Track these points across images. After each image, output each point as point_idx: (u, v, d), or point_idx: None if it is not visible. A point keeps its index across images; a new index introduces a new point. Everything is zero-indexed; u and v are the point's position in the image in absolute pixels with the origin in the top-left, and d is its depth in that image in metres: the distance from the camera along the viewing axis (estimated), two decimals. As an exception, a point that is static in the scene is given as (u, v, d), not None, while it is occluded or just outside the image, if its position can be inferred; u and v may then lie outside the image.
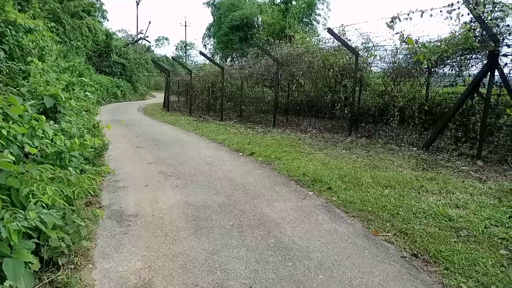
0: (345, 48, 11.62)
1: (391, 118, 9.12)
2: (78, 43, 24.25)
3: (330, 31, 9.50)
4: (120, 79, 30.35)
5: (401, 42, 8.65)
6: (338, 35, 13.00)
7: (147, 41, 40.27)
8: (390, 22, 7.87)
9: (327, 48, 13.29)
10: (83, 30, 25.65)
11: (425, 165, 6.49)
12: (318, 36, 17.25)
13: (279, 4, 27.41)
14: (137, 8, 42.12)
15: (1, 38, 7.34)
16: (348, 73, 11.99)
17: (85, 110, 10.86)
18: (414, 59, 8.40)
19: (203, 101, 18.25)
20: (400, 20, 7.54)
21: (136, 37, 40.27)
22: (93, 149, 5.84)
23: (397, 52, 9.56)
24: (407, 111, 9.09)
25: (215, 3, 40.74)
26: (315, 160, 7.02)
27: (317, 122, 12.50)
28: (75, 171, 3.78)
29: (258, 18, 36.59)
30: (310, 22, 34.46)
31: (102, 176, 4.46)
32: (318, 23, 35.05)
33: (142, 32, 38.96)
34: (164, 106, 21.58)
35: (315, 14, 34.71)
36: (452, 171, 6.12)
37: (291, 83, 13.85)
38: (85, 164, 5.00)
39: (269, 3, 30.63)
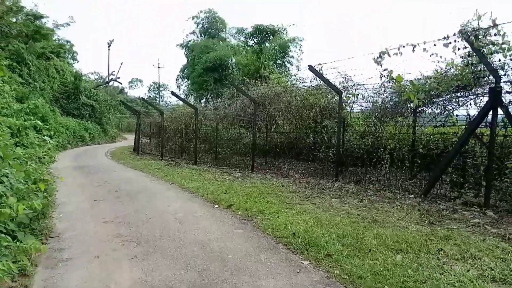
0: (325, 87, 11.12)
1: (381, 161, 8.39)
2: (44, 85, 22.97)
3: (311, 68, 8.92)
4: (89, 122, 28.92)
5: (389, 80, 8.12)
6: (315, 74, 12.57)
7: (119, 82, 39.44)
8: (378, 58, 7.35)
9: (305, 87, 12.80)
10: (50, 71, 24.51)
11: (431, 218, 5.64)
12: (294, 75, 16.90)
13: (253, 45, 27.51)
14: (108, 49, 41.63)
15: None
16: (329, 113, 11.42)
17: (39, 157, 9.57)
18: (404, 97, 7.84)
19: (176, 144, 17.19)
20: (389, 56, 7.01)
21: (108, 79, 39.33)
22: (32, 210, 4.64)
23: (384, 90, 9.05)
24: (395, 153, 8.42)
25: (189, 45, 40.86)
26: (303, 213, 6.05)
27: (298, 165, 11.65)
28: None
29: (232, 60, 36.72)
30: (283, 64, 34.83)
31: (38, 247, 3.26)
32: (291, 64, 35.46)
33: (113, 73, 38.17)
34: (134, 150, 20.30)
35: (288, 56, 35.20)
36: (464, 225, 5.28)
37: (269, 124, 13.14)
38: (10, 234, 3.82)
39: (243, 45, 30.79)
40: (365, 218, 5.68)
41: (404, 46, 6.70)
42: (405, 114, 8.90)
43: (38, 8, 34.81)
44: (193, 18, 41.32)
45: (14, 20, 22.45)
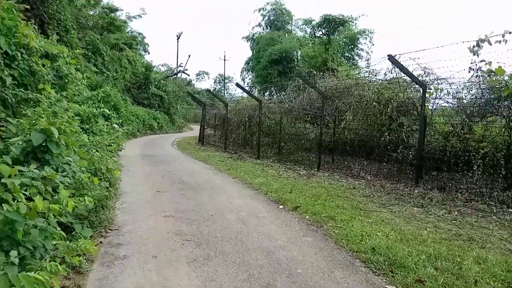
0: (403, 81, 10.04)
1: (471, 167, 7.23)
2: (116, 74, 24.28)
3: (391, 58, 7.96)
4: (158, 111, 30.18)
5: (487, 73, 6.92)
6: (396, 65, 11.48)
7: (186, 74, 40.71)
8: (474, 46, 6.21)
9: (379, 80, 11.71)
10: (123, 61, 25.84)
11: (547, 241, 4.57)
12: (366, 67, 15.71)
13: (321, 37, 26.41)
14: (177, 42, 43.05)
15: (10, 62, 6.46)
16: (407, 110, 10.32)
17: (107, 144, 9.84)
18: (504, 92, 6.62)
19: (239, 136, 17.03)
20: (490, 44, 5.86)
21: (176, 70, 40.79)
22: (93, 201, 4.51)
23: (475, 84, 7.81)
24: (487, 158, 7.19)
25: (254, 37, 40.81)
26: (381, 223, 5.29)
27: (370, 165, 10.70)
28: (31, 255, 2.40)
29: (297, 52, 35.90)
30: (351, 57, 33.18)
31: (88, 248, 3.00)
32: (360, 58, 33.70)
33: (181, 65, 39.44)
34: (199, 140, 20.62)
35: (358, 49, 33.46)
36: None
37: (338, 119, 12.29)
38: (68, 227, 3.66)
39: (310, 36, 29.73)
40: (459, 235, 4.78)
41: (511, 32, 5.53)
42: (503, 113, 7.58)
43: (113, 1, 37.07)
44: (259, 10, 41.19)
45: (92, 13, 24.04)
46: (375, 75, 12.63)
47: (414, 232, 4.84)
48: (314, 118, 13.71)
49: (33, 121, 5.76)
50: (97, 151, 7.53)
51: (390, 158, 10.07)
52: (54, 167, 4.56)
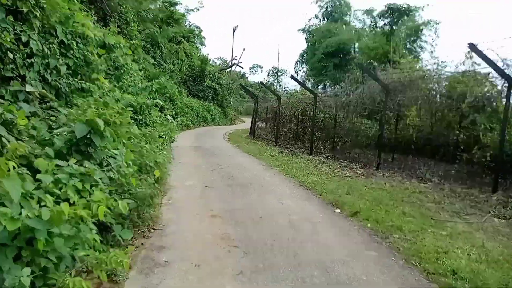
0: (484, 73, 8.85)
1: None
2: (173, 67, 24.73)
3: (472, 47, 6.88)
4: (211, 104, 30.46)
5: None
6: (467, 58, 10.20)
7: (240, 67, 40.70)
8: None
9: (450, 73, 10.46)
10: (180, 54, 26.26)
11: None
12: (434, 58, 14.26)
13: (383, 27, 24.76)
14: (233, 35, 43.24)
15: (66, 51, 6.46)
16: (482, 106, 9.10)
17: (160, 136, 9.78)
18: None
19: (291, 130, 16.45)
20: None
21: (230, 63, 40.98)
22: (134, 202, 4.23)
23: None
24: None
25: (310, 29, 39.66)
26: (459, 236, 4.49)
27: (435, 166, 9.62)
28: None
29: (355, 45, 34.28)
30: (413, 49, 30.91)
31: (119, 261, 2.65)
32: (423, 50, 31.30)
33: (236, 58, 39.48)
34: (250, 133, 20.36)
35: (421, 41, 31.11)
36: None
37: (400, 115, 11.25)
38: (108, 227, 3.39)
39: (370, 27, 28.07)
40: None
41: None
42: None
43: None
44: (316, 2, 39.89)
45: (152, 6, 24.62)
46: (444, 67, 11.36)
47: (502, 252, 4.00)
48: (372, 113, 12.73)
49: (82, 111, 5.64)
50: (148, 142, 7.42)
51: (459, 159, 8.99)
52: (97, 160, 4.36)
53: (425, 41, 31.19)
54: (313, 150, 12.73)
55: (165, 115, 11.55)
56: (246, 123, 33.22)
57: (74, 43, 7.03)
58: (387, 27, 23.90)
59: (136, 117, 9.13)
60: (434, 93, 10.59)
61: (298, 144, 15.09)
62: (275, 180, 7.82)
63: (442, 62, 11.53)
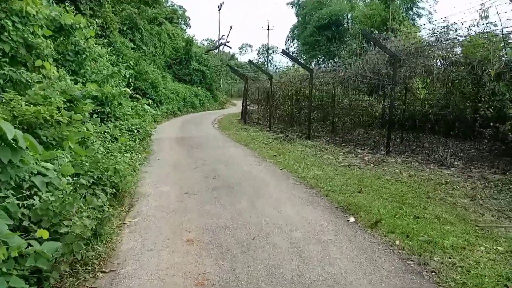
0: (507, 32, 7.52)
1: None
2: (156, 50, 22.98)
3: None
4: (199, 88, 28.85)
5: None
6: (482, 18, 8.96)
7: (228, 46, 38.81)
8: None
9: (464, 37, 9.08)
10: (162, 36, 24.46)
11: None
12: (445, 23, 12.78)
13: (380, -9, 22.99)
14: (219, 13, 41.26)
15: (-1, 33, 5.03)
16: (508, 73, 7.78)
17: (131, 130, 8.41)
18: None
19: (286, 112, 15.07)
20: None
21: (218, 43, 39.05)
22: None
23: None
24: None
25: (300, 2, 37.66)
26: (526, 257, 3.26)
27: (453, 145, 8.38)
28: None
29: (348, 15, 32.53)
30: (410, 17, 29.26)
31: None
32: (420, 17, 29.71)
33: (223, 37, 37.56)
34: (241, 118, 18.96)
35: (417, 8, 29.47)
36: None
37: (408, 88, 9.92)
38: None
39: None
40: None
41: None
42: None
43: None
44: (304, -28, 37.71)
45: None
46: (455, 31, 9.95)
47: None
48: (375, 88, 11.38)
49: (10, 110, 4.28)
50: (110, 142, 6.07)
51: (479, 136, 7.77)
52: (12, 183, 3.05)
53: (422, 8, 29.61)
54: (311, 134, 11.42)
55: (142, 104, 10.12)
56: (237, 106, 31.69)
57: (10, 23, 5.58)
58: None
59: (102, 109, 7.75)
60: (446, 60, 9.22)
61: (294, 128, 13.74)
62: (270, 177, 6.51)
63: (452, 24, 10.13)
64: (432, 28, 10.97)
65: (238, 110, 23.84)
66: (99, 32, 15.83)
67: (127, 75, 10.20)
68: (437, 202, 4.83)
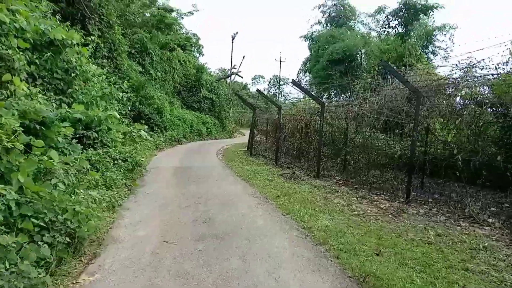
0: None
1: None
2: (166, 75, 22.61)
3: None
4: (208, 115, 28.32)
5: None
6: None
7: (240, 76, 38.69)
8: None
9: (494, 76, 8.23)
10: (173, 62, 24.19)
11: None
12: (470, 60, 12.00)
13: (396, 26, 22.41)
14: (232, 43, 41.36)
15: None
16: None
17: (116, 160, 7.58)
18: None
19: (294, 146, 14.19)
20: None
21: (230, 72, 38.96)
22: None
23: None
24: None
25: (313, 36, 37.67)
26: None
27: (481, 197, 7.32)
28: None
29: (361, 51, 32.21)
30: (426, 55, 28.75)
31: None
32: (435, 55, 29.16)
33: (235, 67, 37.48)
34: (247, 149, 18.12)
35: (433, 46, 29.01)
36: None
37: (430, 128, 8.99)
38: None
39: (383, 25, 25.51)
40: None
41: None
42: None
43: (169, 1, 36.00)
44: (319, 7, 38.02)
45: (148, 15, 22.54)
46: (481, 69, 9.12)
47: None
48: (393, 126, 10.48)
49: None
50: (85, 174, 5.21)
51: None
52: None
53: (439, 47, 29.13)
54: (321, 172, 10.44)
55: (137, 130, 9.32)
56: (246, 136, 31.00)
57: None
58: (401, 28, 21.64)
59: (87, 134, 6.95)
60: (475, 100, 8.33)
61: (301, 163, 12.80)
62: (270, 225, 5.51)
63: (478, 62, 9.31)
64: (458, 62, 10.17)
65: (245, 140, 23.08)
66: (106, 54, 15.49)
67: (125, 98, 9.48)
68: (478, 278, 3.78)
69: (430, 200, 7.54)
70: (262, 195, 7.62)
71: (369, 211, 6.50)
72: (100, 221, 4.53)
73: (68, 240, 3.50)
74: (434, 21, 26.76)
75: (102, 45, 14.98)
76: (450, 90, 9.28)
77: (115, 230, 4.78)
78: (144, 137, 9.10)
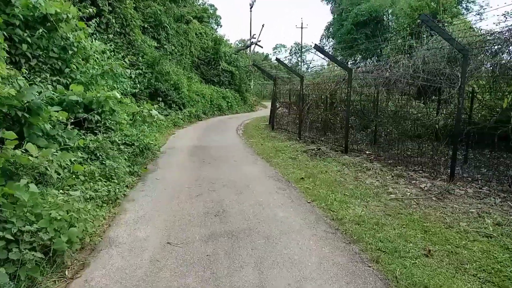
0: None
1: None
2: (182, 49, 21.72)
3: None
4: (228, 89, 27.39)
5: None
6: None
7: (260, 46, 37.05)
8: None
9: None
10: (190, 35, 23.17)
11: None
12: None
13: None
14: (250, 11, 39.52)
15: None
16: None
17: (119, 144, 6.94)
18: None
19: (318, 118, 13.20)
20: None
21: (249, 42, 37.49)
22: None
23: None
24: None
25: (336, -2, 35.38)
26: None
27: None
28: None
29: (388, 11, 29.95)
30: (458, 12, 26.36)
31: None
32: (469, 11, 26.71)
33: (254, 36, 35.93)
34: (269, 122, 17.24)
35: (467, 2, 26.52)
36: None
37: (475, 93, 7.80)
38: None
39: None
40: None
41: None
42: None
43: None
44: (341, -34, 35.33)
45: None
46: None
47: None
48: (431, 92, 9.29)
49: None
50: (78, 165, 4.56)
51: None
52: None
53: (473, 1, 26.63)
54: (349, 147, 9.51)
55: (149, 110, 8.64)
56: (268, 109, 30.00)
57: None
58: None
59: (91, 117, 6.32)
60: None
61: (327, 137, 11.86)
62: (293, 217, 4.74)
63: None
64: (506, 12, 8.70)
65: (267, 113, 22.17)
66: (118, 29, 14.74)
67: (133, 75, 8.75)
68: None
69: (478, 176, 6.53)
70: (284, 177, 6.84)
71: (408, 193, 5.61)
72: (93, 221, 3.91)
73: (40, 255, 2.87)
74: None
75: (114, 20, 14.25)
76: (496, 47, 8.03)
77: (113, 229, 4.17)
78: (156, 116, 8.42)
